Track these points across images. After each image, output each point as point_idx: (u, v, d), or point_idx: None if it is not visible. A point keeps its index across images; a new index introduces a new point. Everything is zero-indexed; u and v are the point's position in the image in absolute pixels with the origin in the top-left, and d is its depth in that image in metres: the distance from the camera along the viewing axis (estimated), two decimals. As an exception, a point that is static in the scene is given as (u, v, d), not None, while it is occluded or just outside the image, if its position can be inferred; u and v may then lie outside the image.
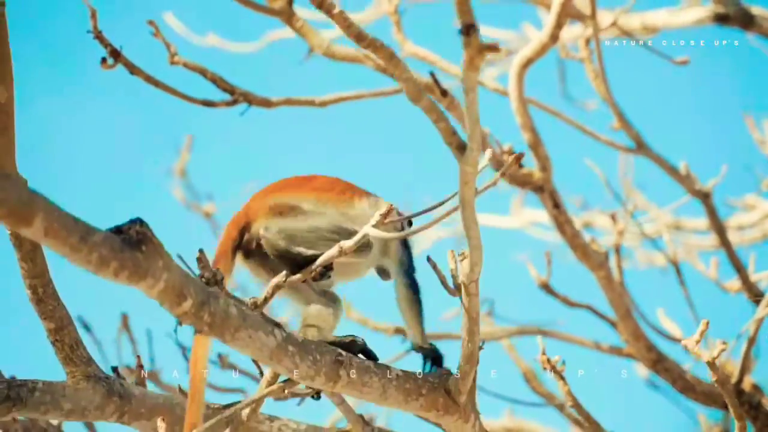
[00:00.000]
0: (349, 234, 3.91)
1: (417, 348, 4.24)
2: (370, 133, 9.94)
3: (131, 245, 2.99)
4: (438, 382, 3.97)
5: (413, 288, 4.28)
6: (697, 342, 4.52)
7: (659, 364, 6.36)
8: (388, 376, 3.85)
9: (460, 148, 3.31)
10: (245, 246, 4.13)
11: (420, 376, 3.94)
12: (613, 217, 6.57)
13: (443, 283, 3.90)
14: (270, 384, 3.83)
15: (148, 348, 5.89)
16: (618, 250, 6.55)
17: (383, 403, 3.90)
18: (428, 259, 3.91)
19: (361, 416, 4.58)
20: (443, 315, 6.94)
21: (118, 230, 3.00)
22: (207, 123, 8.28)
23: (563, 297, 6.33)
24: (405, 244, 4.34)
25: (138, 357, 4.55)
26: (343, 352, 3.75)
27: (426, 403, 3.94)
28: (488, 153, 3.75)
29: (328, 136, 9.48)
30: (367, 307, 6.92)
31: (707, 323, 4.63)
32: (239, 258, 4.13)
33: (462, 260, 3.73)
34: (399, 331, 6.69)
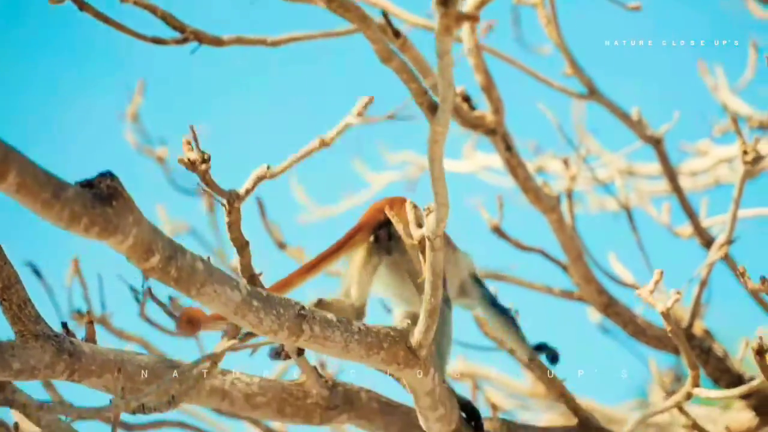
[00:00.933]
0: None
1: (530, 360, 4.86)
2: (323, 75, 9.85)
3: (102, 200, 2.96)
4: (399, 337, 3.97)
5: (505, 314, 4.97)
6: (651, 292, 4.56)
7: (610, 308, 6.40)
8: (350, 330, 3.85)
9: (431, 108, 3.29)
10: (378, 234, 4.53)
11: (381, 330, 3.94)
12: (566, 162, 6.57)
13: (405, 235, 3.92)
14: (231, 338, 3.80)
15: (99, 293, 5.83)
16: (570, 194, 6.55)
17: (345, 357, 3.90)
18: (389, 213, 3.92)
19: (314, 368, 4.59)
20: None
21: (88, 184, 2.97)
22: (160, 65, 8.18)
23: (515, 240, 6.34)
24: (476, 279, 4.99)
25: (88, 313, 4.52)
26: (306, 306, 3.75)
27: (387, 356, 3.95)
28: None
29: (281, 77, 9.40)
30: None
31: (661, 273, 4.67)
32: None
33: (427, 215, 3.73)
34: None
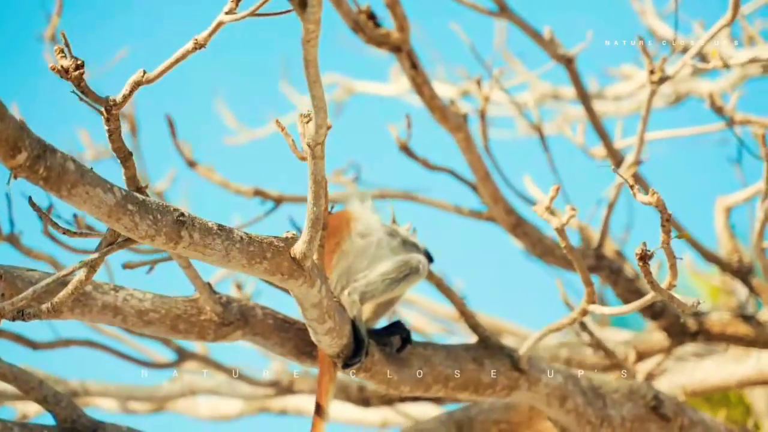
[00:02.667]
0: None
1: None
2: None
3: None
4: (283, 246, 3.92)
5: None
6: (547, 208, 4.55)
7: (518, 228, 6.40)
8: (232, 238, 3.78)
9: (302, 4, 3.22)
10: None
11: (265, 240, 3.88)
12: (478, 82, 6.54)
13: (292, 147, 3.86)
14: (109, 243, 3.73)
15: (7, 211, 5.76)
16: (483, 115, 6.53)
17: (226, 266, 3.83)
18: (276, 122, 3.85)
19: (208, 284, 4.55)
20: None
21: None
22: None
23: (423, 160, 6.30)
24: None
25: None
26: (185, 212, 3.68)
27: (270, 266, 3.89)
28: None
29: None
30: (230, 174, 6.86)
31: (557, 189, 4.66)
32: None
33: (307, 122, 3.66)
34: (258, 193, 6.63)
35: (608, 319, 8.89)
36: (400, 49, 5.72)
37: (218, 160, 7.05)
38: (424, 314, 8.96)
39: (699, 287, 10.26)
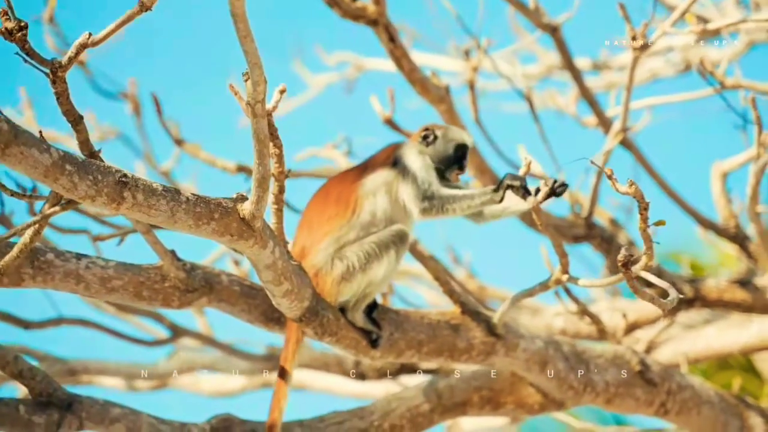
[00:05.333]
0: None
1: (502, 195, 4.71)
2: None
3: None
4: (232, 207, 3.93)
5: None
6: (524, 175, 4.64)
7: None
8: (178, 199, 3.79)
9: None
10: None
11: (213, 201, 3.89)
12: (466, 53, 6.53)
13: (245, 110, 3.83)
14: (53, 205, 3.77)
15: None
16: (473, 86, 6.53)
17: (173, 227, 3.84)
18: (230, 86, 3.85)
19: (172, 251, 4.57)
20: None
21: None
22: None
23: (407, 132, 6.28)
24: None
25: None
26: (129, 174, 3.69)
27: (218, 227, 3.90)
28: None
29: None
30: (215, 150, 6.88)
31: (529, 163, 4.69)
32: None
33: (246, 80, 3.67)
34: (242, 168, 6.64)
35: (618, 289, 8.83)
36: (376, 22, 5.73)
37: (231, 143, 7.06)
38: (433, 288, 8.93)
39: (711, 254, 10.19)
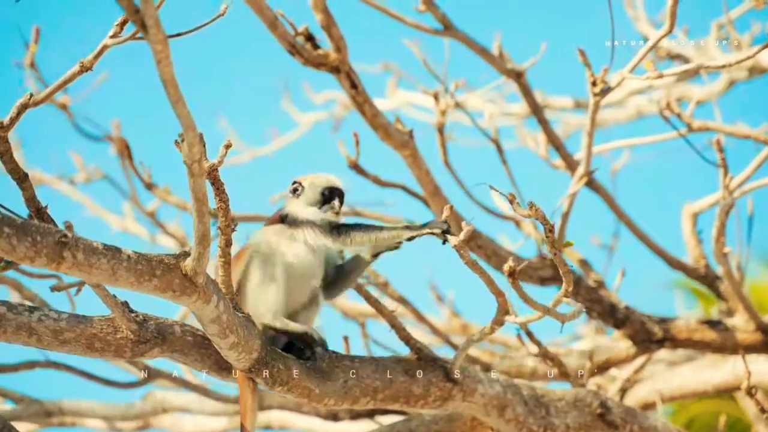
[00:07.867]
0: None
1: (414, 236, 4.84)
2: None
3: None
4: (174, 263, 4.01)
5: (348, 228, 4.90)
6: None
7: (473, 240, 6.40)
8: (119, 257, 3.87)
9: (144, 26, 3.30)
10: None
11: (155, 258, 3.98)
12: (435, 96, 6.60)
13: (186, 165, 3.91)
14: (-6, 267, 3.85)
15: None
16: (441, 129, 6.60)
17: (114, 285, 3.92)
18: (176, 143, 3.92)
19: (125, 303, 4.63)
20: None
21: None
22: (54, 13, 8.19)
23: (374, 177, 6.35)
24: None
25: None
26: (69, 234, 3.76)
27: (160, 284, 3.98)
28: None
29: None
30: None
31: (450, 207, 4.75)
32: None
33: (182, 141, 3.74)
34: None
35: (604, 328, 8.89)
36: (338, 69, 5.80)
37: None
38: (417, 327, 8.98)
39: (695, 293, 10.25)
